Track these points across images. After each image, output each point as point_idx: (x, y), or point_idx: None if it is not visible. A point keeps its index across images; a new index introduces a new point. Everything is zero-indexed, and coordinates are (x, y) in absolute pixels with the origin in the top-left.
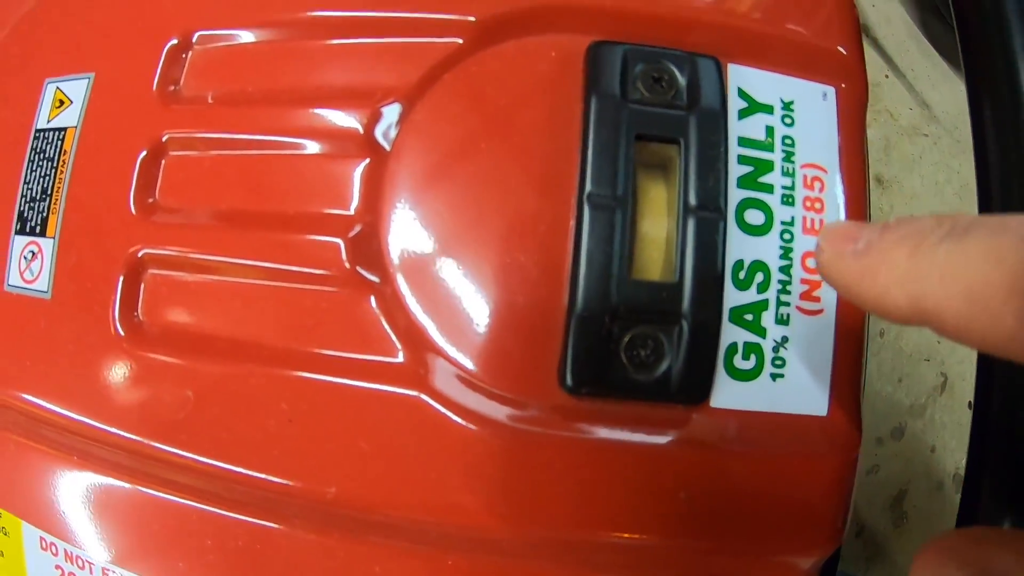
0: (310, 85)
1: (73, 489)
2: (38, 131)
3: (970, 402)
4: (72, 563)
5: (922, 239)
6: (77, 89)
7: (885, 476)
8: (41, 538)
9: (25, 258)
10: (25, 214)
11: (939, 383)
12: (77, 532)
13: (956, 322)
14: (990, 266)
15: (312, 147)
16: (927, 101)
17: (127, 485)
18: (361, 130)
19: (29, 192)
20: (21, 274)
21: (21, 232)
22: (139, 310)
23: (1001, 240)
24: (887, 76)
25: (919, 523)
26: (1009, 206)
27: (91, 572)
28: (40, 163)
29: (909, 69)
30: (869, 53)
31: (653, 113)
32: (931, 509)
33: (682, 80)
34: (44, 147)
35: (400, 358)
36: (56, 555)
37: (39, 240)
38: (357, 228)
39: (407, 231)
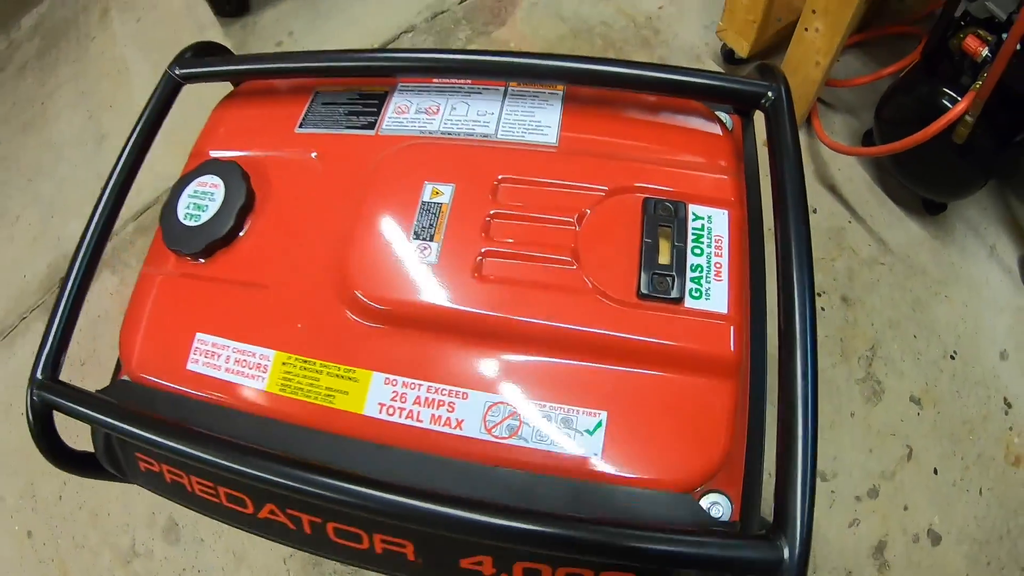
0: (550, 202)
1: (433, 353)
2: (423, 203)
3: (936, 468)
4: (407, 387)
5: None
6: (447, 188)
7: (865, 529)
8: (385, 378)
9: (420, 249)
10: (419, 232)
11: (905, 453)
12: (419, 369)
13: None
14: None
15: (554, 222)
16: (883, 239)
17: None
18: (574, 223)
19: (420, 224)
20: (417, 257)
21: (416, 238)
22: (481, 269)
23: None
24: (850, 222)
25: (901, 571)
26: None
27: (420, 389)
28: (426, 215)
29: (868, 215)
30: (835, 206)
31: (663, 218)
32: (910, 559)
33: (672, 209)
34: (428, 209)
35: (584, 288)
36: (395, 386)
37: (429, 243)
38: (572, 246)
39: (588, 250)
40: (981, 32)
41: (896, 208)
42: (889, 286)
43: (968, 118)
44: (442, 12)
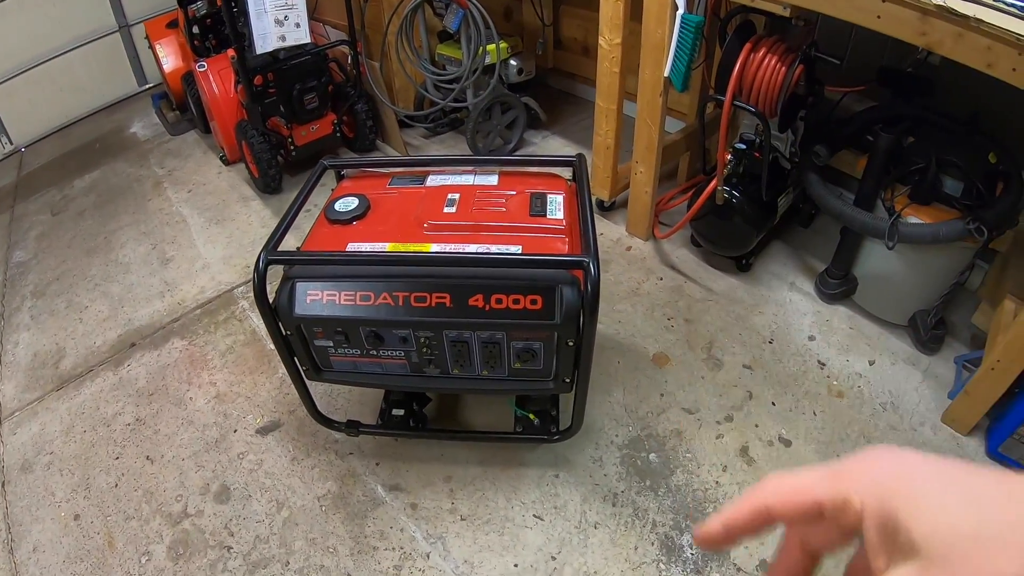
0: (496, 196)
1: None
2: (448, 199)
3: (773, 402)
4: (442, 245)
5: None
6: (456, 196)
7: (729, 440)
8: (435, 245)
9: (446, 209)
10: (447, 206)
11: (747, 395)
12: (450, 240)
13: None
14: None
15: (498, 200)
16: (710, 287)
17: None
18: (506, 200)
19: (447, 205)
20: (444, 212)
21: (447, 208)
22: (472, 211)
23: None
24: (685, 282)
25: (764, 463)
26: None
27: (449, 245)
28: (449, 202)
29: (698, 277)
30: (675, 275)
31: (539, 197)
32: (770, 455)
33: (543, 194)
34: (451, 201)
35: (512, 212)
36: (440, 245)
37: (452, 208)
38: (505, 204)
39: (511, 205)
40: (731, 148)
41: (717, 271)
42: (717, 311)
43: (719, 190)
44: None
